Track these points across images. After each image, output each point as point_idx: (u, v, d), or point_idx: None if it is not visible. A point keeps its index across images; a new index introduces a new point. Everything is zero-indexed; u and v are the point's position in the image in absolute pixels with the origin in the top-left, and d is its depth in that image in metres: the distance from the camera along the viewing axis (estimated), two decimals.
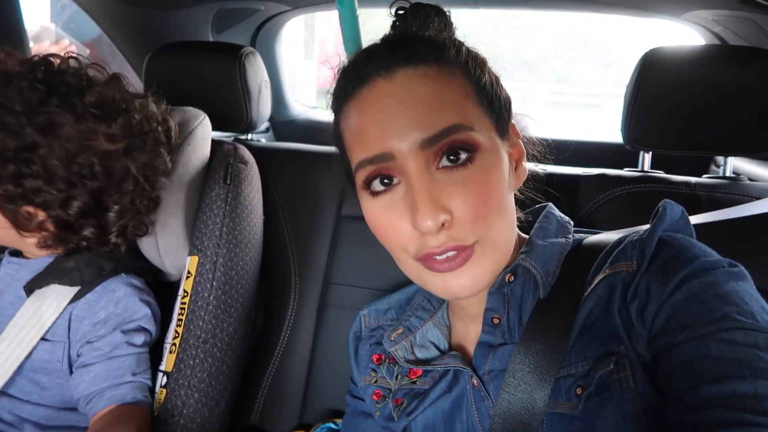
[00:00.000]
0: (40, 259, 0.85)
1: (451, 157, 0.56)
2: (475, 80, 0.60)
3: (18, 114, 0.74)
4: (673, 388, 0.49)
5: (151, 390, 0.84)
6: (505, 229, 0.60)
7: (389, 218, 0.59)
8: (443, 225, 0.55)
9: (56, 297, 0.82)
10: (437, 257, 0.57)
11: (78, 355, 0.82)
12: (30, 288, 0.82)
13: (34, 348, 0.80)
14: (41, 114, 0.74)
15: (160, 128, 0.86)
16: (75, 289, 0.83)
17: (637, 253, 0.57)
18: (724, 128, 0.95)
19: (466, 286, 0.58)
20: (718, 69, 0.94)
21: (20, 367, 0.80)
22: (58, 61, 0.80)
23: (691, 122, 0.96)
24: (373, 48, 0.63)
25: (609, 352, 0.56)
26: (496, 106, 0.61)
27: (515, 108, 0.67)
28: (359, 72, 0.60)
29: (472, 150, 0.56)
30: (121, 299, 0.84)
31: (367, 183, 0.60)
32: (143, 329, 0.86)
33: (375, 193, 0.60)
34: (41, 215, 0.79)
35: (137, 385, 0.82)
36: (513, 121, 0.67)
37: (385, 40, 0.64)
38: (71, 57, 0.82)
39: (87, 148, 0.77)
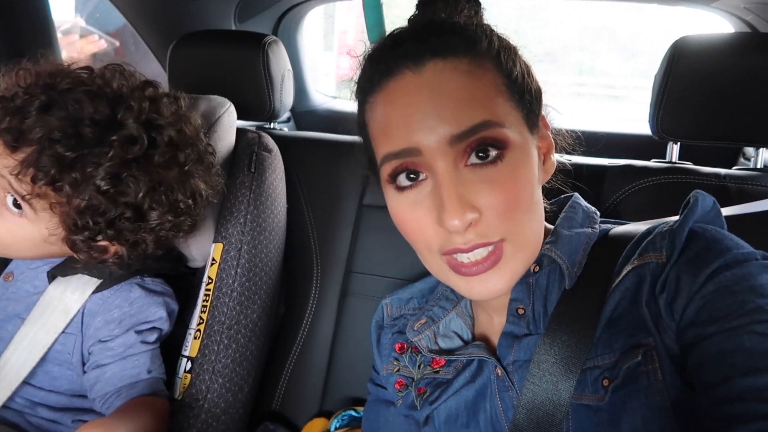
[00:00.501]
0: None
1: (480, 154, 0.55)
2: (506, 73, 0.59)
3: (113, 159, 0.71)
4: (703, 381, 0.48)
5: (167, 383, 0.85)
6: (534, 226, 0.60)
7: (414, 215, 0.59)
8: (471, 224, 0.55)
9: (79, 286, 0.82)
10: (462, 258, 0.57)
11: (89, 353, 0.83)
12: (53, 274, 0.82)
13: (61, 334, 0.81)
14: (134, 161, 0.72)
15: (209, 154, 0.85)
16: (97, 282, 0.83)
17: (667, 244, 0.56)
18: (756, 118, 0.93)
19: (493, 290, 0.58)
20: (750, 57, 0.92)
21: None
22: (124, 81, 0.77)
23: (722, 112, 0.94)
24: (400, 36, 0.61)
25: (637, 344, 0.55)
26: (527, 99, 0.60)
27: None
28: (386, 62, 0.59)
29: (502, 147, 0.55)
30: (136, 300, 0.84)
31: (393, 177, 0.59)
32: (157, 328, 0.86)
33: (401, 188, 0.59)
34: (114, 247, 0.78)
35: (153, 381, 0.82)
36: (543, 112, 0.65)
37: (413, 26, 0.63)
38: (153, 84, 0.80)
39: (173, 189, 0.76)
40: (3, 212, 0.74)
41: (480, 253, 0.57)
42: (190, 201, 0.79)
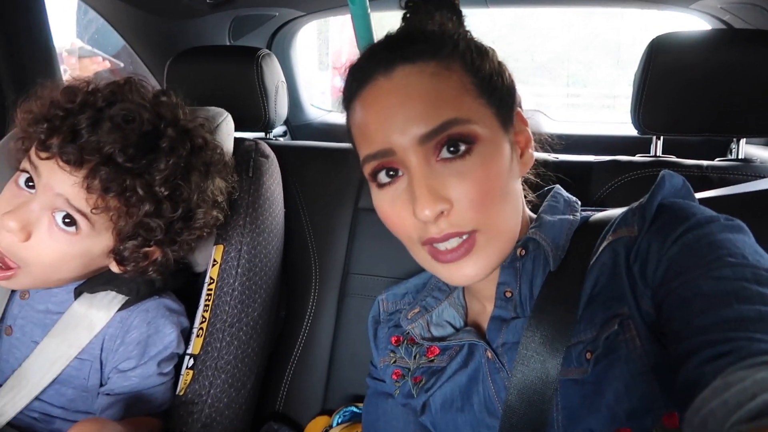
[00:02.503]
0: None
1: (451, 149, 0.58)
2: (474, 72, 0.62)
3: (171, 168, 0.74)
4: (670, 330, 0.51)
5: (166, 411, 0.86)
6: (507, 216, 0.62)
7: (394, 209, 0.62)
8: (442, 213, 0.58)
9: (104, 303, 0.83)
10: (440, 247, 0.60)
11: (104, 383, 0.83)
12: (81, 290, 0.83)
13: (83, 350, 0.82)
14: (186, 169, 0.77)
15: (227, 155, 0.89)
16: (123, 299, 0.83)
17: (638, 219, 0.59)
18: (733, 110, 0.96)
19: (469, 276, 0.61)
20: (724, 51, 0.95)
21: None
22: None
23: (700, 105, 0.97)
24: (375, 47, 0.66)
25: (614, 315, 0.58)
26: (497, 97, 0.62)
27: (528, 106, 0.69)
28: (363, 71, 0.63)
29: (470, 142, 0.58)
30: (152, 320, 0.84)
31: (373, 176, 0.63)
32: (176, 355, 0.87)
33: (381, 185, 0.63)
34: (157, 253, 0.80)
35: (158, 411, 0.84)
36: (520, 109, 0.68)
37: (387, 38, 0.67)
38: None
39: (206, 188, 0.80)
40: (53, 233, 0.73)
41: (454, 242, 0.60)
42: (222, 196, 0.84)
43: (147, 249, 0.78)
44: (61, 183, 0.71)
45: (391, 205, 0.62)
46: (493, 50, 0.66)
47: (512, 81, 0.67)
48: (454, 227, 0.59)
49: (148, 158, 0.72)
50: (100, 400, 0.82)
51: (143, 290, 0.84)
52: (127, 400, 0.81)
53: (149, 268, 0.80)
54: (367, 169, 0.63)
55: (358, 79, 0.64)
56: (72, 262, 0.76)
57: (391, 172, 0.62)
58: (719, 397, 0.39)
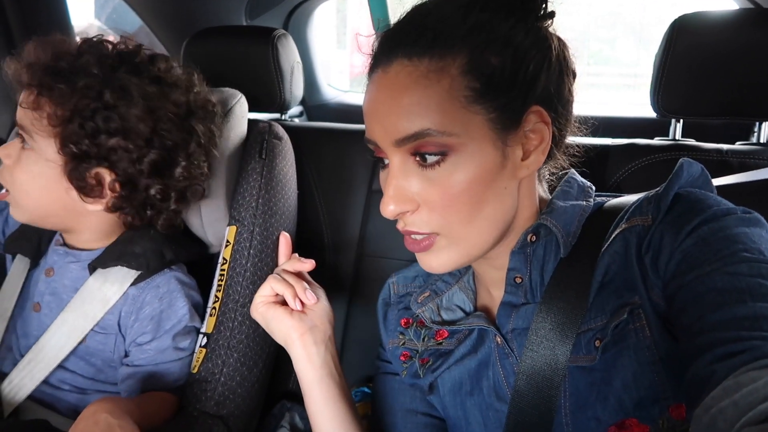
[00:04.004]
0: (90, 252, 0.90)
1: (418, 158, 0.58)
2: (479, 71, 0.56)
3: (96, 76, 0.79)
4: (682, 324, 0.50)
5: (181, 386, 0.89)
6: (476, 226, 0.60)
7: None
8: (407, 212, 0.60)
9: (118, 278, 0.86)
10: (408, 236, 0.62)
11: (127, 354, 0.87)
12: (94, 266, 0.86)
13: (97, 324, 0.85)
14: (116, 78, 0.80)
15: (210, 103, 0.92)
16: (135, 274, 0.87)
17: (653, 208, 0.58)
18: (756, 93, 0.94)
19: (433, 267, 0.63)
20: (750, 32, 0.92)
21: (78, 349, 0.86)
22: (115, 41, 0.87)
23: (722, 88, 0.95)
24: (386, 33, 0.63)
25: (624, 304, 0.57)
26: (503, 98, 0.57)
27: None
28: (375, 56, 0.63)
29: (441, 153, 0.57)
30: (164, 295, 0.87)
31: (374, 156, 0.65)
32: (191, 329, 0.89)
33: (383, 166, 0.64)
34: (109, 176, 0.82)
35: (174, 386, 0.87)
36: (540, 107, 0.59)
37: (395, 25, 0.63)
38: (128, 39, 0.88)
39: (158, 109, 0.82)
40: (19, 159, 0.83)
41: (416, 236, 0.62)
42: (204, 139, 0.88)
43: (97, 169, 0.81)
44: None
45: (383, 186, 0.64)
46: (520, 38, 0.57)
47: (537, 75, 0.58)
48: (414, 226, 0.60)
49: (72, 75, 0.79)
50: (120, 370, 0.85)
51: (153, 263, 0.86)
52: (145, 373, 0.84)
53: (147, 205, 0.86)
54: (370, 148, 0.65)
55: (370, 65, 0.64)
56: (35, 185, 0.83)
57: (386, 160, 0.62)
58: (730, 397, 0.39)
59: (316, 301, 0.77)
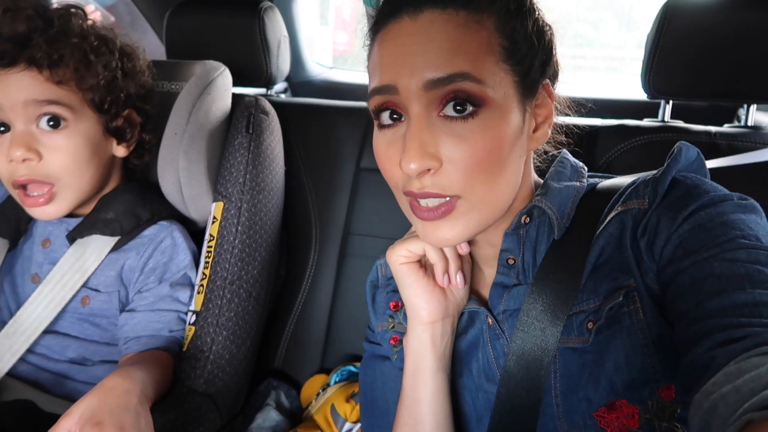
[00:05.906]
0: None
1: (458, 108, 0.55)
2: (507, 33, 0.57)
3: (86, 35, 0.83)
4: (678, 310, 0.50)
5: (181, 345, 0.89)
6: (498, 189, 0.58)
7: (388, 152, 0.60)
8: (429, 170, 0.55)
9: (97, 246, 0.87)
10: (420, 202, 0.58)
11: (130, 302, 0.89)
12: (72, 237, 0.87)
13: (77, 293, 0.86)
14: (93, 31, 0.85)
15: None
16: (115, 239, 0.87)
17: (650, 191, 0.58)
18: (746, 76, 0.94)
19: (443, 239, 0.59)
20: (740, 15, 0.93)
21: (69, 312, 0.87)
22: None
23: (713, 70, 0.95)
24: None
25: (619, 286, 0.57)
26: (526, 64, 0.58)
27: None
28: (390, 5, 0.59)
29: (478, 104, 0.55)
30: (167, 248, 0.90)
31: (377, 114, 0.60)
32: (188, 283, 0.91)
33: (382, 126, 0.60)
34: (135, 115, 0.90)
35: (171, 339, 0.87)
36: (548, 81, 0.62)
37: None
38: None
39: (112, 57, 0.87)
40: (53, 139, 0.80)
41: (434, 201, 0.57)
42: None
43: (125, 113, 0.88)
44: (17, 91, 0.78)
45: (386, 147, 0.60)
46: (539, 12, 0.60)
47: (551, 49, 0.61)
48: (435, 188, 0.56)
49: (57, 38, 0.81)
50: (120, 317, 0.87)
51: (127, 225, 0.88)
52: (142, 317, 0.86)
53: (135, 131, 0.91)
54: (372, 105, 0.60)
55: (385, 13, 0.60)
56: (85, 154, 0.83)
57: (395, 116, 0.59)
58: (731, 383, 0.39)
59: (464, 286, 0.70)
